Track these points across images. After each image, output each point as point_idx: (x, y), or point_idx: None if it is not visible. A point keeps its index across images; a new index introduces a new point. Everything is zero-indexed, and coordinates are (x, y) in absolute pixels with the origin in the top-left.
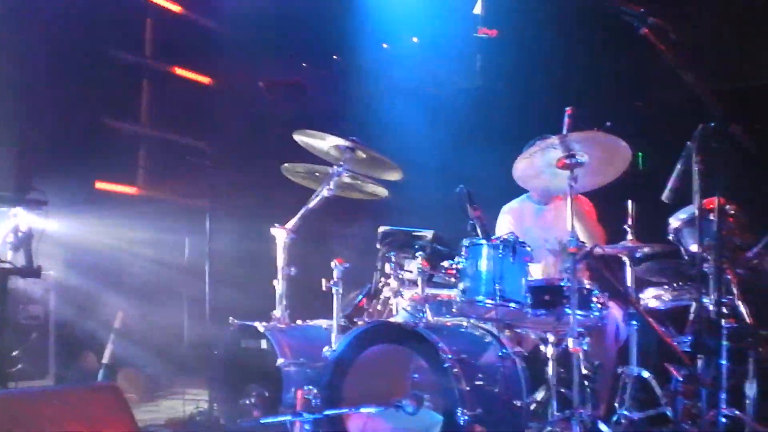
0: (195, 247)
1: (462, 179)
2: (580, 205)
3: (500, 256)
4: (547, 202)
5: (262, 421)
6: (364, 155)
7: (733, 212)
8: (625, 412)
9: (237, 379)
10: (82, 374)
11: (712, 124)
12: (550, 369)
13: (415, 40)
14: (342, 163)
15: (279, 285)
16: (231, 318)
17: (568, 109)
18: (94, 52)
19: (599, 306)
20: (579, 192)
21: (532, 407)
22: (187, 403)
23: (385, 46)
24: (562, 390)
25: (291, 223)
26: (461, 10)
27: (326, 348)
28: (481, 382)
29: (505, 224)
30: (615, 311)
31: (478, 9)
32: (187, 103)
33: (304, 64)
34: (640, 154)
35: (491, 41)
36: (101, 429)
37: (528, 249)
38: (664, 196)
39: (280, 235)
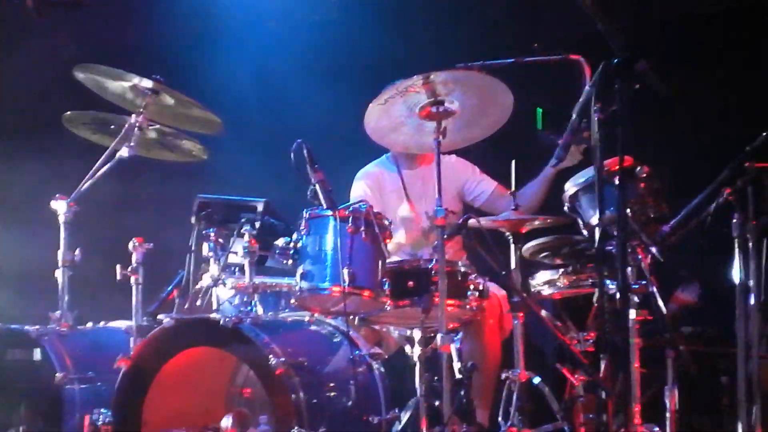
0: None
1: (303, 134)
2: (461, 169)
3: (350, 231)
4: (412, 166)
5: None
6: (171, 100)
7: (644, 175)
8: (512, 428)
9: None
10: None
11: (616, 61)
12: (417, 375)
13: None
14: (142, 111)
15: (60, 275)
16: None
17: None
18: None
19: (477, 294)
20: (449, 150)
21: (396, 426)
22: None
23: None
24: (435, 402)
25: (76, 193)
26: None
27: (120, 357)
28: (327, 394)
29: (360, 193)
30: (496, 298)
31: None
32: None
33: None
34: (539, 110)
35: None
36: None
37: (386, 222)
38: (555, 155)
39: (62, 208)
